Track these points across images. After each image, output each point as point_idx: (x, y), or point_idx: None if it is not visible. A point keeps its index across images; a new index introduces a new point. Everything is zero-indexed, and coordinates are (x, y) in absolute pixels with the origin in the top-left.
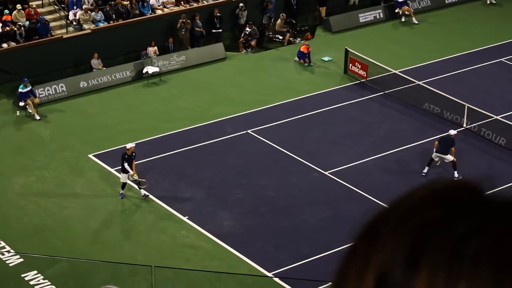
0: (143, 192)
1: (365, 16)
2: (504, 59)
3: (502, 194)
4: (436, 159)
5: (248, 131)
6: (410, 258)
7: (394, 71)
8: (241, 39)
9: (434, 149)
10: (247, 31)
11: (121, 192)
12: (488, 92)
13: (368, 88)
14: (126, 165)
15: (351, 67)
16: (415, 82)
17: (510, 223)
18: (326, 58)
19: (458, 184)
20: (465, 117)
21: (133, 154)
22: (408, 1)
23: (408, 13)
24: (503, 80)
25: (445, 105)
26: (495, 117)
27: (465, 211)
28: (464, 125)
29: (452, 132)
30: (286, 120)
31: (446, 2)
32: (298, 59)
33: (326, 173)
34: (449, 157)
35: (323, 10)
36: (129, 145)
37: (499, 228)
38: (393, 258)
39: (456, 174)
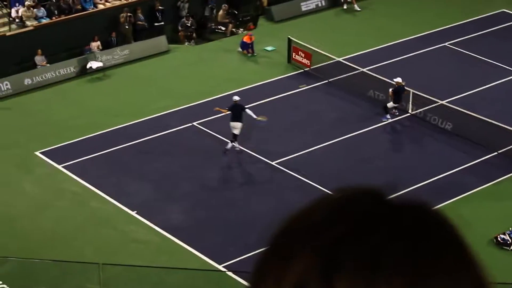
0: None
1: (307, 5)
2: (448, 44)
3: (407, 198)
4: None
5: (194, 123)
6: (326, 272)
7: (337, 59)
8: (180, 32)
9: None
10: (187, 22)
11: (235, 145)
12: (432, 77)
13: (312, 77)
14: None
15: (295, 56)
16: (359, 70)
17: (417, 228)
18: (269, 48)
19: (364, 193)
20: (410, 103)
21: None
22: None
23: (350, 0)
24: (447, 64)
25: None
26: (440, 102)
27: (373, 222)
28: (410, 111)
29: (399, 79)
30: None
31: None
32: (241, 50)
33: (273, 162)
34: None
35: None
36: (236, 97)
37: (409, 235)
38: (309, 273)
39: (388, 116)
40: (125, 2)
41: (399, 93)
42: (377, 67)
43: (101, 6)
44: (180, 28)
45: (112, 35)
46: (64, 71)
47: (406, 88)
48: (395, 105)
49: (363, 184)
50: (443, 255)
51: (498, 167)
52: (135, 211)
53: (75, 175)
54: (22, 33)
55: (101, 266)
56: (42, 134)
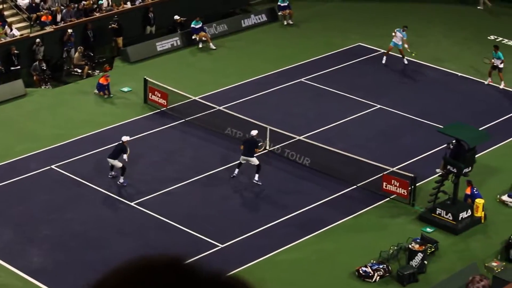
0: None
1: (163, 45)
2: (304, 79)
3: (204, 268)
4: (243, 162)
5: (52, 166)
6: None
7: (194, 98)
8: (34, 75)
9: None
10: (42, 66)
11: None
12: (289, 113)
13: (169, 116)
14: (125, 156)
15: (151, 97)
16: (216, 108)
17: None
18: (125, 89)
19: (158, 263)
20: (267, 139)
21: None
22: (205, 27)
23: (205, 39)
24: (304, 99)
25: (247, 128)
26: (298, 137)
27: None
28: (268, 148)
29: (254, 132)
30: (90, 153)
31: (243, 25)
32: (97, 92)
33: (132, 203)
34: (255, 160)
35: (120, 40)
36: (125, 138)
37: None
38: None
39: (256, 177)
40: None
41: (251, 146)
42: (234, 104)
43: None
44: (32, 72)
45: None
46: None
47: (260, 140)
48: (246, 158)
49: (164, 253)
50: None
51: (357, 200)
52: None
53: None
54: None
55: None
56: None
